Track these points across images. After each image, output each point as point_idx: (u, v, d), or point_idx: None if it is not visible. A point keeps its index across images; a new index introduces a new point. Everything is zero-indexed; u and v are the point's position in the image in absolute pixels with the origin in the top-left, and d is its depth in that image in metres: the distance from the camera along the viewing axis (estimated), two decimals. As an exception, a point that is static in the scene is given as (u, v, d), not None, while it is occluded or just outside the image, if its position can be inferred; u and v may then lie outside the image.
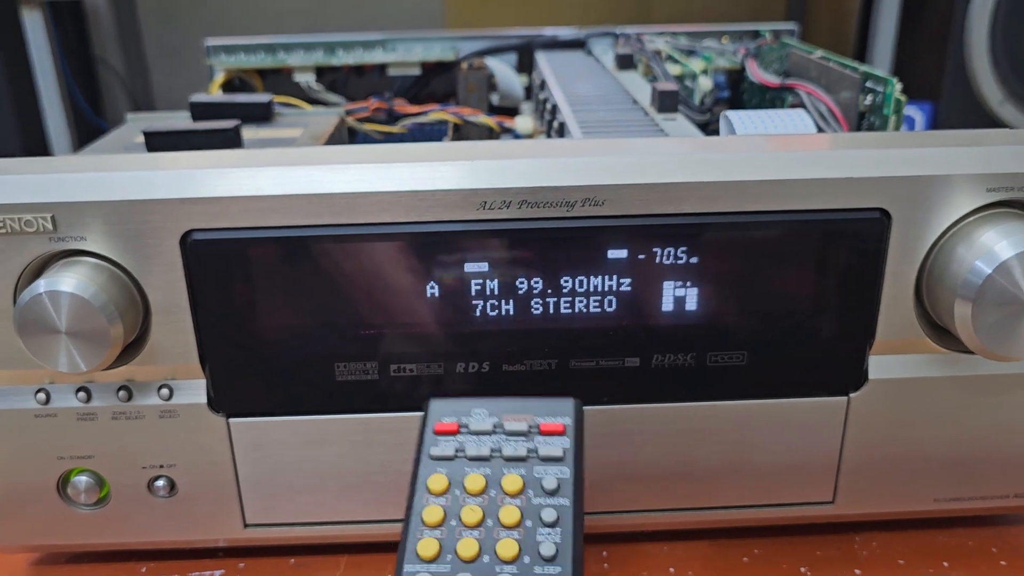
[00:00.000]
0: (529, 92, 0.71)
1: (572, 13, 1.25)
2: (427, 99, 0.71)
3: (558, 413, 0.34)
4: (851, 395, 0.39)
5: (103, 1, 1.28)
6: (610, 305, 0.37)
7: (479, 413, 0.34)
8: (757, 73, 0.64)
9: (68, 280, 0.33)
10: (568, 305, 0.37)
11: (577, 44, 0.77)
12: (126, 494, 0.39)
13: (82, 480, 0.39)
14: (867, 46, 1.06)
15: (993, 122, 0.93)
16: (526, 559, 0.29)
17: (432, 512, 0.31)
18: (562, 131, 0.51)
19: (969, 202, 0.35)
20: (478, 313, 0.37)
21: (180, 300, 0.36)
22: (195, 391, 0.38)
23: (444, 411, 0.34)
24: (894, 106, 0.48)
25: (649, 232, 0.35)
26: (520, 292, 0.36)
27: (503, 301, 0.36)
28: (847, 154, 0.35)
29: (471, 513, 0.31)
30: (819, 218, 0.35)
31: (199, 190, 0.34)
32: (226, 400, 0.38)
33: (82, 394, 0.37)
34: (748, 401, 0.39)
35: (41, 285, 0.33)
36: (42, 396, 0.37)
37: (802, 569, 0.41)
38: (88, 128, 1.19)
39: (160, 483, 0.39)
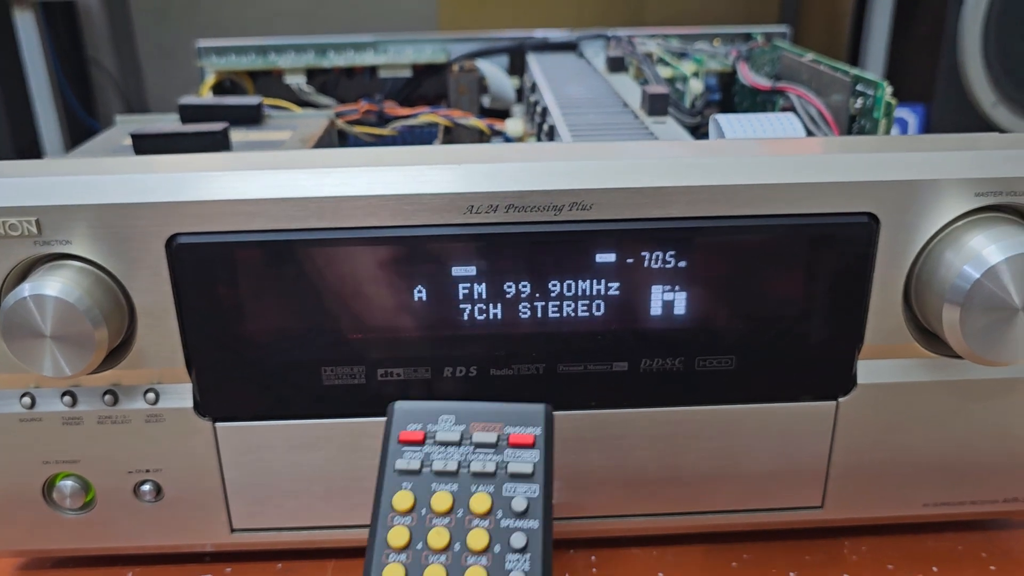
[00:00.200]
0: (520, 94, 0.71)
1: (567, 15, 1.25)
2: (418, 101, 0.71)
3: (528, 422, 0.34)
4: (840, 400, 0.39)
5: (96, 2, 1.27)
6: (598, 309, 0.37)
7: (446, 420, 0.34)
8: (748, 76, 0.64)
9: (53, 284, 0.33)
10: (556, 309, 0.36)
11: (569, 46, 0.77)
12: (112, 499, 0.39)
13: (67, 485, 0.39)
14: (860, 48, 1.06)
15: (986, 124, 0.93)
16: None
17: (398, 534, 0.31)
18: (552, 134, 0.50)
19: (958, 206, 0.35)
20: (465, 317, 0.36)
21: (166, 304, 0.35)
22: (181, 395, 0.37)
23: (409, 417, 0.34)
24: (884, 109, 0.48)
25: (637, 236, 0.35)
26: (508, 296, 0.36)
27: (491, 305, 0.36)
28: (836, 158, 0.35)
29: (438, 537, 0.31)
30: (807, 222, 0.35)
31: (185, 194, 0.34)
32: (212, 404, 0.38)
33: (67, 398, 0.37)
34: (736, 406, 0.39)
35: (26, 289, 0.33)
36: (27, 400, 0.37)
37: (791, 574, 0.41)
38: (81, 129, 1.18)
39: (146, 488, 0.39)
